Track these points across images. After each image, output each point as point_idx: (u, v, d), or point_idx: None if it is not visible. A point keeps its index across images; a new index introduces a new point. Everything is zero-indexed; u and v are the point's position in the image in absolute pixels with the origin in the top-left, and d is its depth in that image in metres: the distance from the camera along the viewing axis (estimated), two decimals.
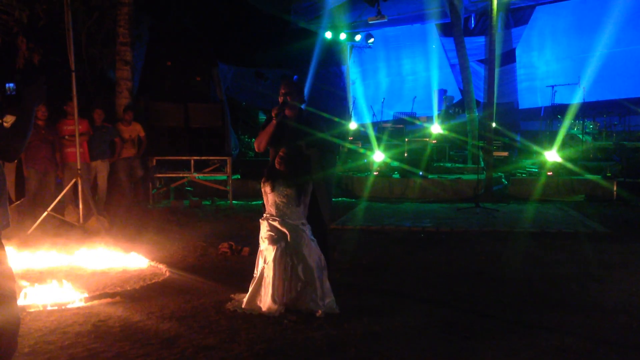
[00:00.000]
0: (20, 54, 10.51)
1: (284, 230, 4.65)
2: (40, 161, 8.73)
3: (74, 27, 8.38)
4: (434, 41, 18.23)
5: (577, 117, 14.48)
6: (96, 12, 11.49)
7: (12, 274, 2.70)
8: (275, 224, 4.70)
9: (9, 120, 7.49)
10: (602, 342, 4.02)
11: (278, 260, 4.51)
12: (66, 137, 8.83)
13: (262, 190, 4.89)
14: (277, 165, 4.77)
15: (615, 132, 14.75)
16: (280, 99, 5.07)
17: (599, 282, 5.50)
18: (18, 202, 8.64)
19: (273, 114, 4.97)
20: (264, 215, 4.84)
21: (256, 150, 5.26)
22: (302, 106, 5.28)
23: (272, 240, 4.59)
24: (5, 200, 2.68)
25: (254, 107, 18.19)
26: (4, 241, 2.72)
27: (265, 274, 4.55)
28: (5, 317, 2.61)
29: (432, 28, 17.91)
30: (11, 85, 11.17)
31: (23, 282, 5.03)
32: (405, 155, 13.49)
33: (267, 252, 4.59)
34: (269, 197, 4.80)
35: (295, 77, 18.92)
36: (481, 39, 16.11)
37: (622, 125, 14.95)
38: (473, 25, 17.14)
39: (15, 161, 7.94)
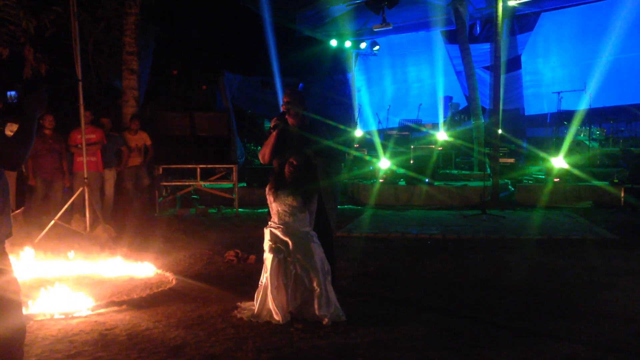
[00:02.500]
0: (27, 64, 10.59)
1: (286, 238, 4.64)
2: (48, 170, 8.78)
3: (80, 37, 8.44)
4: (439, 48, 18.24)
5: (583, 123, 14.43)
6: (103, 22, 11.58)
7: (17, 283, 2.70)
8: (277, 232, 4.70)
9: (13, 129, 7.52)
10: (612, 349, 3.98)
11: (276, 270, 4.51)
12: (78, 145, 8.84)
13: (267, 198, 4.89)
14: (287, 174, 4.76)
15: (622, 138, 14.69)
16: (283, 108, 5.11)
17: (608, 289, 5.46)
18: (18, 210, 8.66)
19: (271, 125, 5.04)
20: (269, 223, 4.84)
21: (261, 162, 5.30)
22: (305, 113, 5.30)
23: (272, 249, 4.60)
24: (8, 209, 2.69)
25: (260, 115, 18.26)
26: (8, 250, 2.73)
27: (267, 283, 4.55)
28: (11, 325, 2.62)
29: (437, 35, 17.92)
30: (12, 93, 11.24)
31: (30, 291, 5.03)
32: (411, 162, 13.45)
33: (267, 262, 4.60)
34: (273, 206, 4.80)
35: (300, 84, 18.99)
36: (486, 46, 16.10)
37: (629, 131, 14.89)
38: (478, 32, 17.14)
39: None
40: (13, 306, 2.63)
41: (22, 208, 8.75)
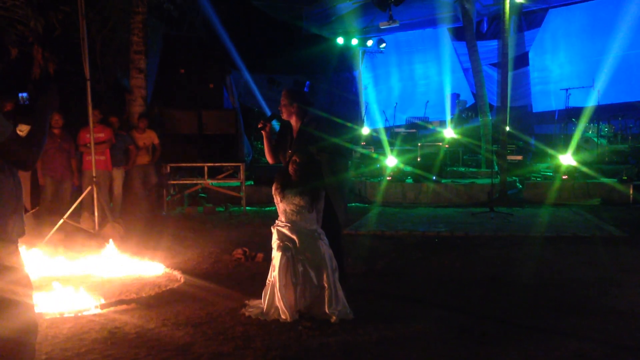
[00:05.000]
0: (36, 63, 10.63)
1: (293, 236, 4.65)
2: (57, 169, 8.82)
3: (88, 36, 8.46)
4: (446, 45, 18.20)
5: (591, 120, 14.35)
6: (110, 21, 11.62)
7: (30, 281, 2.72)
8: (284, 230, 4.70)
9: (23, 129, 7.55)
10: (621, 347, 3.97)
11: (284, 267, 4.51)
12: (87, 144, 8.88)
13: (274, 198, 4.90)
14: (290, 172, 4.77)
15: (631, 135, 14.59)
16: (280, 109, 5.26)
17: (616, 287, 5.44)
18: (33, 210, 8.72)
19: (259, 126, 5.20)
20: (276, 222, 4.86)
21: (270, 162, 5.42)
22: (311, 109, 5.35)
23: (280, 248, 4.61)
24: (21, 209, 2.71)
25: (267, 113, 18.29)
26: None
27: (275, 281, 4.57)
28: (23, 324, 2.63)
29: (444, 32, 17.89)
30: (24, 94, 11.31)
31: (39, 290, 5.07)
32: (418, 159, 13.44)
33: (275, 260, 4.61)
34: (280, 206, 4.81)
35: (307, 83, 18.98)
36: (494, 43, 16.05)
37: (637, 128, 14.78)
38: (485, 29, 17.10)
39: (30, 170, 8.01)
40: (25, 305, 2.65)
41: (37, 208, 8.80)
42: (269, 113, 16.74)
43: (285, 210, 4.75)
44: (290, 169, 4.78)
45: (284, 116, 5.29)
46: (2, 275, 2.56)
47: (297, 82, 19.27)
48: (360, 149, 15.03)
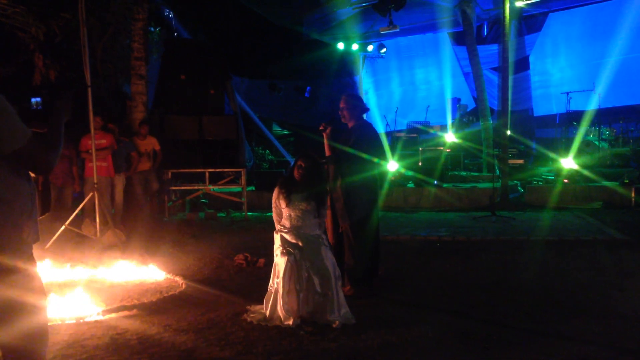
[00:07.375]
0: (37, 70, 10.66)
1: (297, 242, 4.65)
2: (58, 175, 8.83)
3: (89, 43, 8.48)
4: (447, 50, 18.22)
5: (593, 123, 14.35)
6: (111, 27, 11.65)
7: (43, 288, 2.71)
8: (288, 236, 4.70)
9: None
10: (624, 350, 3.96)
11: (288, 273, 4.51)
12: (88, 151, 8.88)
13: (274, 203, 4.89)
14: (295, 176, 4.79)
15: (632, 138, 14.57)
16: (340, 113, 5.59)
17: (619, 290, 5.42)
18: (42, 217, 8.71)
19: (320, 129, 5.52)
20: (277, 227, 4.85)
21: None
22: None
23: (283, 253, 4.60)
24: (36, 214, 2.70)
25: (268, 118, 18.32)
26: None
27: (278, 287, 4.56)
28: (35, 331, 2.62)
29: (445, 37, 17.91)
30: (38, 99, 11.35)
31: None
32: (420, 164, 13.44)
33: (278, 266, 4.60)
34: (284, 212, 4.80)
35: (308, 88, 19.00)
36: (494, 47, 16.07)
37: (638, 131, 14.78)
38: (486, 34, 17.12)
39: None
40: (38, 311, 2.63)
41: (47, 214, 8.80)
42: (253, 116, 16.75)
43: (290, 216, 4.75)
44: (296, 173, 4.79)
45: (344, 120, 5.59)
46: (18, 282, 2.55)
47: (297, 87, 19.32)
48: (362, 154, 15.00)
